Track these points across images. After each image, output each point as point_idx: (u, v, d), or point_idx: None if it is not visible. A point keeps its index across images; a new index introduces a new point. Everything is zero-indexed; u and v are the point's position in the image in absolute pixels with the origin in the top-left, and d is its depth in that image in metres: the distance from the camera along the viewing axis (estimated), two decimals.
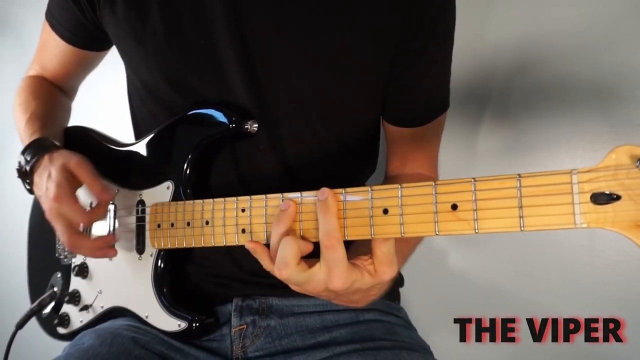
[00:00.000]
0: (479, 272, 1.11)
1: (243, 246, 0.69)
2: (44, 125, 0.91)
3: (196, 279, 0.86)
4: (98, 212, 0.81)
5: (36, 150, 0.84)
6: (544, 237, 1.03)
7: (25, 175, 0.85)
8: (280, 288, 0.84)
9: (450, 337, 1.12)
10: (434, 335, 1.01)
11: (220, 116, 0.77)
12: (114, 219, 0.85)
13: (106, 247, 0.82)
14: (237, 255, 0.84)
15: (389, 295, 0.92)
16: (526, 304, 1.06)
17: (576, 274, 1.01)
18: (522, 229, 0.48)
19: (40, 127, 0.90)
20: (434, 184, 0.54)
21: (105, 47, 0.99)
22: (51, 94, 1.02)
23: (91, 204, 0.87)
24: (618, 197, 0.45)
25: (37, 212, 1.04)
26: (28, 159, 0.84)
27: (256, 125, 0.78)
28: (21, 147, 0.87)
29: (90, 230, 0.90)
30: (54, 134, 0.91)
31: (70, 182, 0.79)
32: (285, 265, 0.58)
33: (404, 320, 0.89)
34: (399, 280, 0.97)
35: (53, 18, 0.94)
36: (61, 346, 0.87)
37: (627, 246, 0.94)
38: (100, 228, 0.87)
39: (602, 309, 0.98)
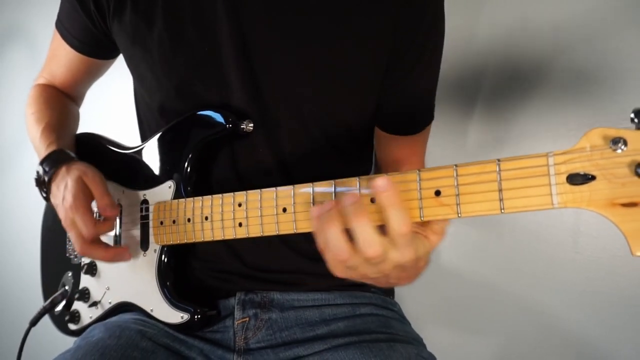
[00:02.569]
0: (469, 269, 1.11)
1: (245, 242, 0.69)
2: (59, 136, 0.91)
3: (200, 274, 0.86)
4: (104, 226, 0.81)
5: (54, 161, 0.84)
6: (531, 235, 1.03)
7: (43, 185, 0.85)
8: (281, 283, 0.85)
9: (442, 330, 1.11)
10: (426, 328, 1.00)
11: (217, 117, 0.78)
12: (120, 230, 0.87)
13: (117, 257, 0.82)
14: (240, 251, 0.84)
15: (384, 291, 0.92)
16: (514, 298, 1.05)
17: (560, 270, 1.00)
18: (503, 211, 0.48)
19: (56, 139, 0.90)
20: (418, 171, 0.53)
21: (113, 56, 1.00)
22: (62, 104, 1.02)
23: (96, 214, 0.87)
24: (593, 177, 0.44)
25: (49, 215, 1.05)
26: (47, 169, 0.84)
27: (252, 125, 0.78)
28: (33, 151, 0.87)
29: None
30: (68, 144, 0.92)
31: (85, 194, 0.80)
32: (372, 243, 0.51)
33: (398, 314, 0.88)
34: None
35: (63, 27, 0.95)
36: (70, 341, 0.86)
37: (609, 243, 0.94)
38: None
39: (586, 304, 0.97)
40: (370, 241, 0.51)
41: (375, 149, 0.96)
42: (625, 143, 0.43)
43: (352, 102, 0.84)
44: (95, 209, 0.82)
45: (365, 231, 0.51)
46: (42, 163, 0.86)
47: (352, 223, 0.51)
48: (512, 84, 1.05)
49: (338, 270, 0.57)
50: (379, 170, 0.94)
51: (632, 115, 0.43)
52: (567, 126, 0.99)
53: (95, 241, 0.81)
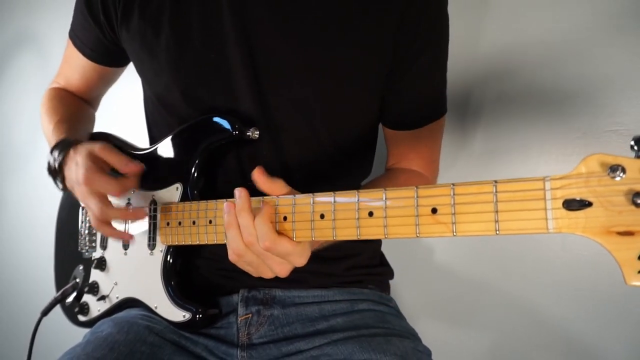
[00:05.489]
0: (462, 267, 1.10)
1: None
2: (70, 129, 0.90)
3: (204, 272, 0.85)
4: (128, 183, 0.78)
5: (62, 147, 0.83)
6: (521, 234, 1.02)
7: (56, 173, 0.83)
8: (282, 281, 0.84)
9: (436, 325, 1.11)
10: (421, 323, 1.01)
11: (224, 123, 0.77)
12: (128, 228, 0.85)
13: (134, 218, 0.81)
14: None
15: (380, 287, 0.91)
16: (504, 295, 1.05)
17: (549, 268, 0.99)
18: (498, 232, 0.46)
19: (66, 130, 0.89)
20: (415, 188, 0.52)
21: (124, 63, 0.99)
22: (75, 102, 1.01)
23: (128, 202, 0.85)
24: (589, 204, 0.43)
25: (64, 211, 1.04)
26: (56, 156, 0.82)
27: (257, 132, 0.77)
28: (46, 154, 0.85)
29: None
30: (79, 135, 0.90)
31: (98, 165, 0.77)
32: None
33: (394, 310, 0.88)
34: (389, 274, 0.96)
35: (76, 37, 0.95)
36: (80, 331, 0.87)
37: (595, 242, 0.93)
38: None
39: (574, 301, 0.97)
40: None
41: (386, 145, 0.94)
42: (623, 171, 0.41)
43: (356, 104, 0.83)
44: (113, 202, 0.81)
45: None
46: (51, 152, 0.84)
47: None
48: (502, 99, 1.03)
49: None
50: (386, 164, 0.94)
51: (632, 143, 0.40)
52: (558, 143, 0.97)
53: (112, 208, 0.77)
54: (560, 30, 0.96)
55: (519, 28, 1.00)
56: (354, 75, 0.79)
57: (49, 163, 0.84)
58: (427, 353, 0.77)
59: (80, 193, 0.77)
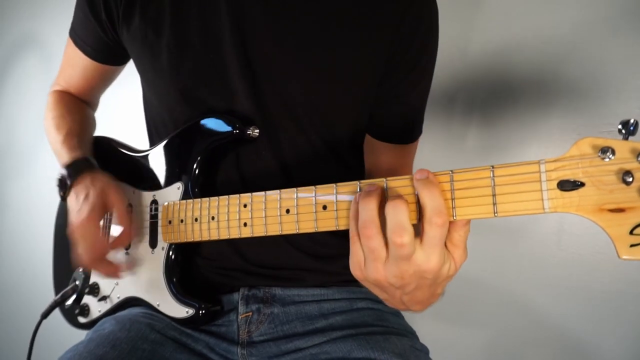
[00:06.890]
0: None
1: (248, 240, 0.69)
2: (80, 142, 0.91)
3: (205, 271, 0.86)
4: (115, 244, 0.81)
5: (80, 167, 0.84)
6: (517, 232, 1.03)
7: (64, 186, 0.84)
8: (282, 279, 0.85)
9: (434, 323, 1.12)
10: (419, 321, 1.00)
11: (225, 123, 0.78)
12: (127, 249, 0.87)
13: (118, 272, 0.82)
14: (243, 249, 0.83)
15: None
16: (501, 294, 1.06)
17: (545, 267, 1.00)
18: (496, 214, 0.48)
19: (78, 143, 0.89)
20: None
21: (124, 62, 0.99)
22: (81, 110, 1.01)
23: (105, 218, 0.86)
24: (582, 184, 0.44)
25: (62, 213, 1.04)
26: (71, 173, 0.83)
27: (257, 131, 0.78)
28: (49, 156, 0.85)
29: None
30: (88, 148, 0.92)
31: (102, 209, 0.79)
32: (403, 229, 0.48)
33: (392, 309, 0.87)
34: None
35: (76, 36, 0.94)
36: (80, 333, 0.86)
37: (591, 241, 0.95)
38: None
39: (569, 299, 0.98)
40: (402, 225, 0.48)
41: (365, 156, 0.94)
42: (613, 152, 0.43)
43: (349, 109, 0.84)
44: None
45: (399, 215, 0.48)
46: (67, 167, 0.84)
47: (389, 206, 0.49)
48: (501, 96, 1.05)
49: (357, 269, 0.55)
50: (369, 176, 0.94)
51: (620, 127, 0.43)
52: (554, 141, 0.99)
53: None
54: (557, 31, 0.98)
55: (516, 28, 1.03)
56: (349, 79, 0.80)
57: (62, 175, 0.85)
58: (425, 351, 0.77)
59: (76, 226, 0.78)
